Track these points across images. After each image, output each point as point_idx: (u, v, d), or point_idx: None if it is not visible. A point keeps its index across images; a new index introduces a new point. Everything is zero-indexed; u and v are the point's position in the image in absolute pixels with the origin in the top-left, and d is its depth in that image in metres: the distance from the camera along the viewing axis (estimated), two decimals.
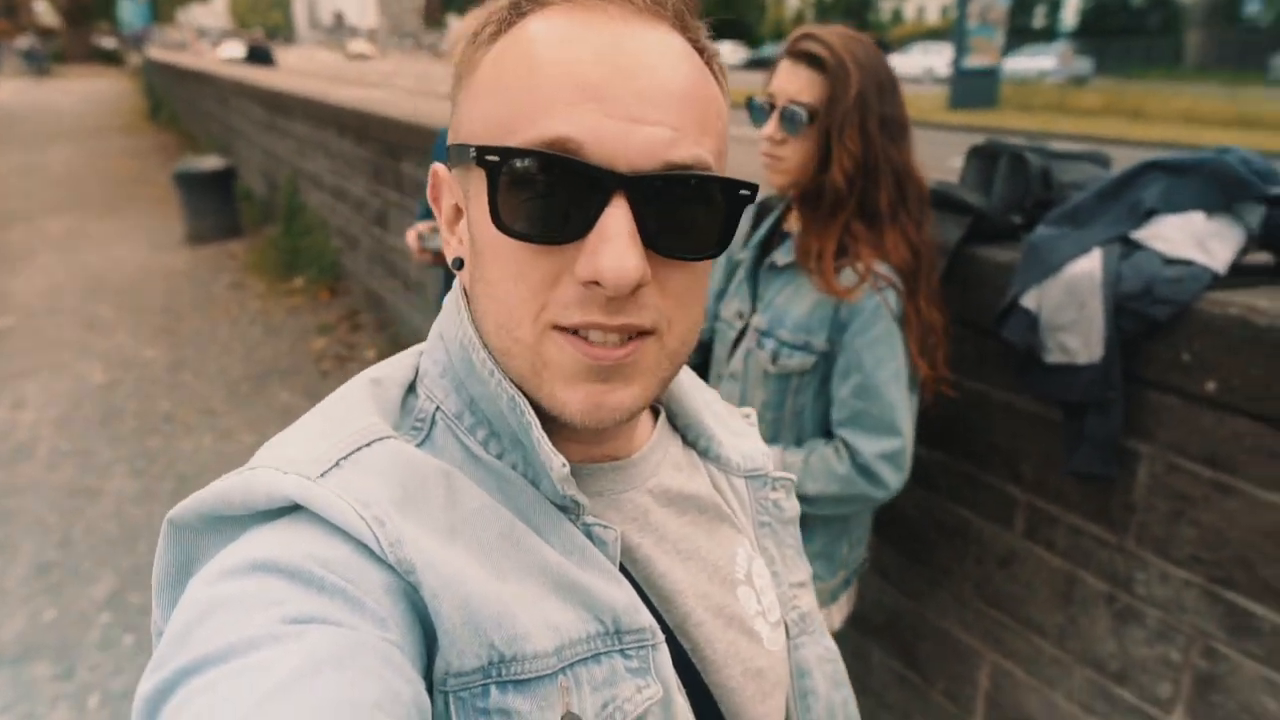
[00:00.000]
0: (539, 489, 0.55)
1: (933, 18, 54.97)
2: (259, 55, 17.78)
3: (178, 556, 0.50)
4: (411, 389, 0.59)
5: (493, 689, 0.47)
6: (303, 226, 6.87)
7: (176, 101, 15.98)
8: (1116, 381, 1.40)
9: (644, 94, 0.48)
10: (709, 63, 0.54)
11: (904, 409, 1.41)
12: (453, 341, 0.57)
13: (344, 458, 0.50)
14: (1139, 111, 15.45)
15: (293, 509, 0.48)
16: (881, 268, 1.39)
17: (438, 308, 0.65)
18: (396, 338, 5.10)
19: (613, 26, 0.50)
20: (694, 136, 0.50)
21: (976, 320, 1.59)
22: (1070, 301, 1.44)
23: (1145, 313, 1.36)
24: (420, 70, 25.46)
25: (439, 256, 2.17)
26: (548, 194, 0.48)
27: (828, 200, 1.38)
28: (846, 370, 1.41)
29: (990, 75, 16.25)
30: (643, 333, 0.51)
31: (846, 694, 0.73)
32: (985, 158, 1.76)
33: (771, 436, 1.49)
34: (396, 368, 0.60)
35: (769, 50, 43.74)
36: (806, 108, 1.37)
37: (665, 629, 0.57)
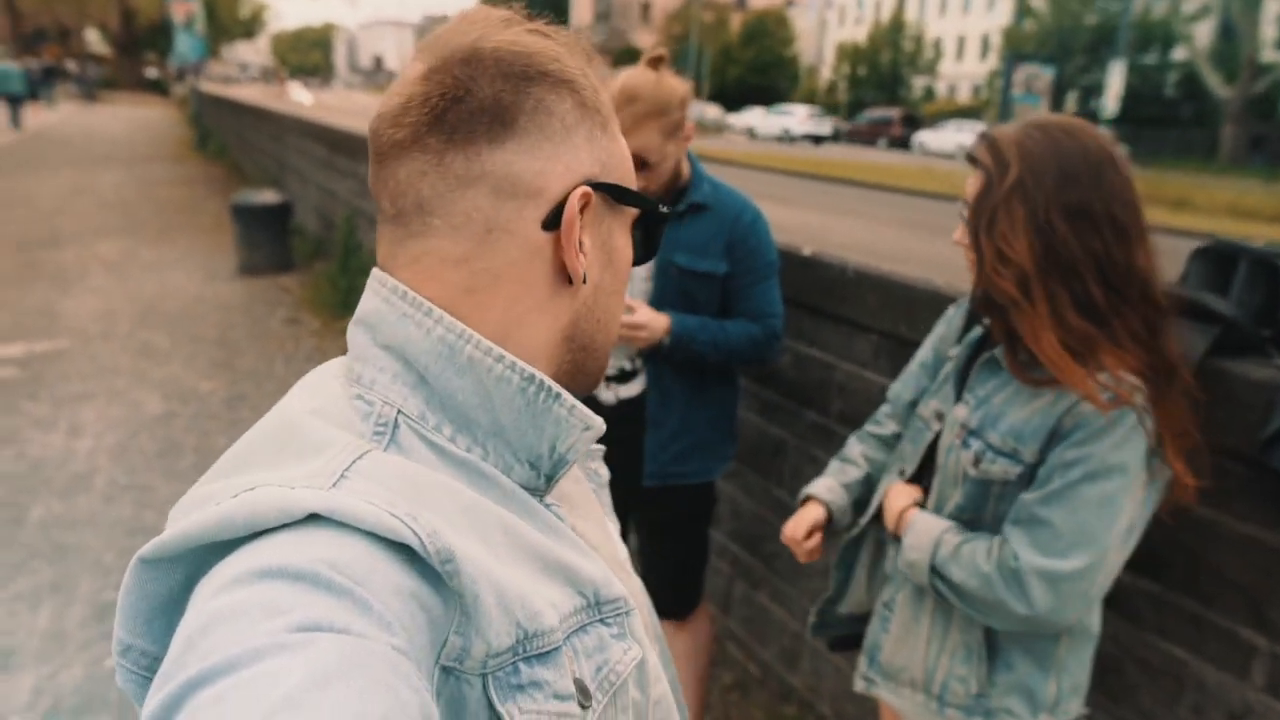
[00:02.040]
0: (510, 476, 0.59)
1: (964, 95, 55.81)
2: None
3: (161, 590, 0.49)
4: (359, 400, 0.59)
5: (522, 665, 0.51)
6: (359, 265, 6.81)
7: (226, 134, 16.20)
8: None
9: None
10: None
11: (1099, 540, 1.25)
12: (419, 343, 0.59)
13: (347, 469, 0.51)
14: (1183, 201, 15.37)
15: (299, 522, 0.47)
16: (1130, 377, 1.25)
17: None
18: None
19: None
20: None
21: (1221, 441, 1.43)
22: None
23: None
24: None
25: None
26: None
27: (1000, 302, 1.31)
28: (1047, 478, 1.28)
29: None
30: None
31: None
32: (1213, 260, 1.62)
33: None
34: (328, 395, 0.60)
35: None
36: (967, 206, 1.34)
37: None
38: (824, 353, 2.41)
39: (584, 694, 0.55)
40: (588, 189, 0.62)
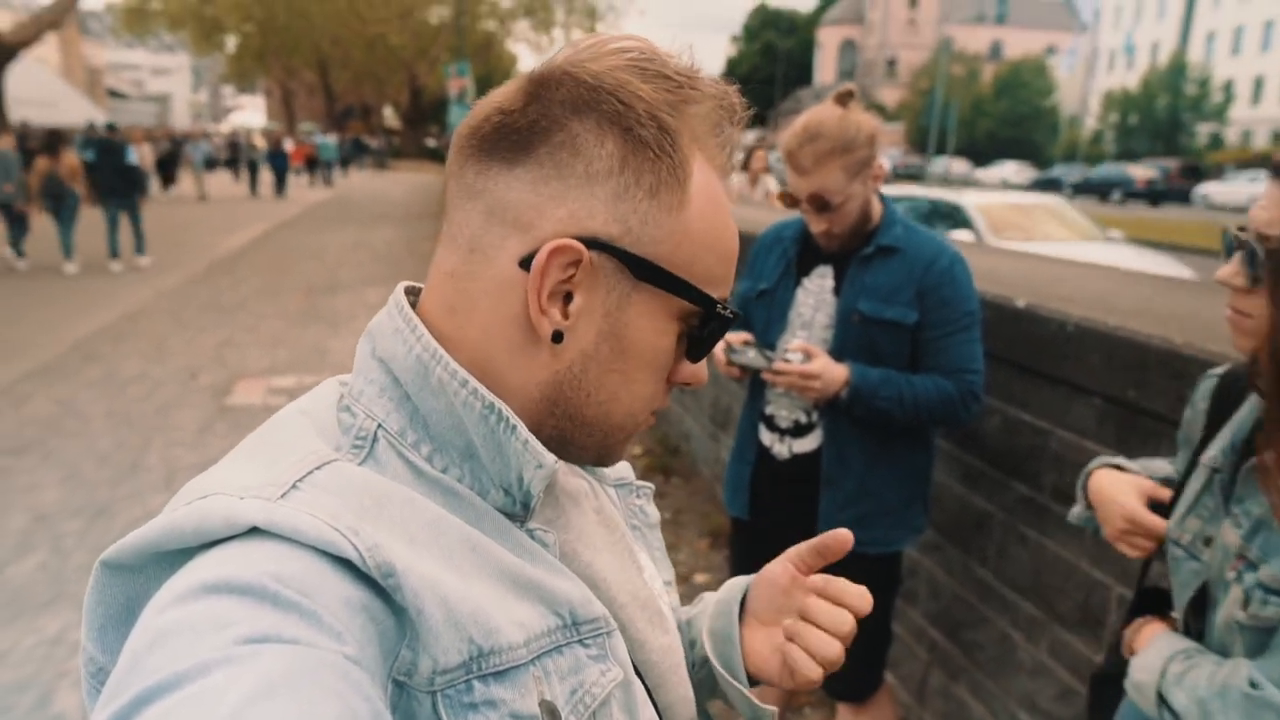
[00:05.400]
0: (486, 499, 0.58)
1: (1261, 142, 49.37)
2: None
3: (119, 596, 0.50)
4: (344, 411, 0.59)
5: (476, 683, 0.50)
6: None
7: None
8: None
9: None
10: None
11: None
12: (402, 359, 0.59)
13: (300, 479, 0.51)
14: None
15: (244, 534, 0.47)
16: None
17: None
18: (665, 438, 4.98)
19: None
20: None
21: None
22: None
23: None
24: None
25: (744, 370, 1.95)
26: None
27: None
28: None
29: None
30: None
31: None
32: None
33: None
34: (321, 397, 0.62)
35: (1059, 172, 41.10)
36: (1253, 236, 1.00)
37: None
38: (1037, 418, 2.13)
39: (552, 716, 0.53)
40: (569, 242, 0.56)
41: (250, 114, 75.11)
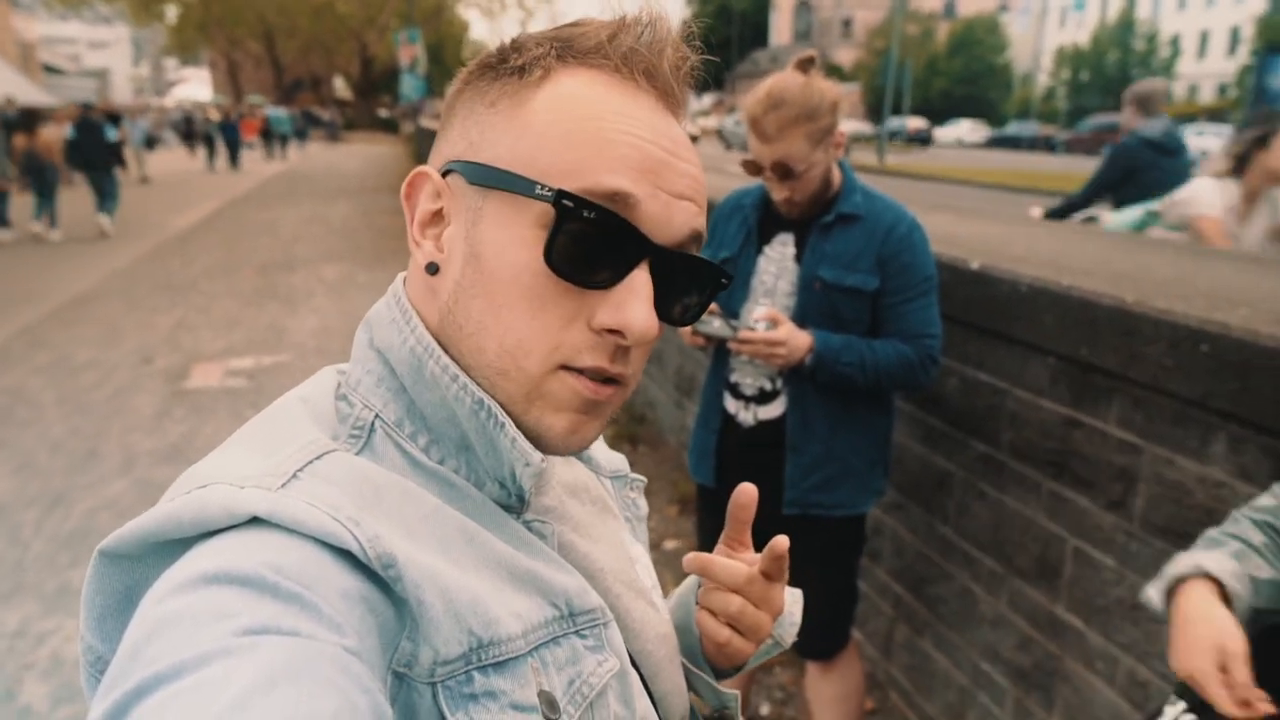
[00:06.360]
0: (482, 491, 0.58)
1: (1207, 96, 50.22)
2: None
3: (117, 585, 0.49)
4: (342, 400, 0.60)
5: (476, 674, 0.50)
6: None
7: None
8: None
9: (683, 179, 0.57)
10: None
11: None
12: (397, 351, 0.59)
13: (300, 469, 0.51)
14: None
15: (244, 524, 0.47)
16: None
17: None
18: (630, 406, 5.00)
19: (658, 113, 0.58)
20: (702, 216, 0.59)
21: None
22: None
23: None
24: None
25: (709, 339, 1.95)
26: (597, 244, 0.54)
27: None
28: None
29: None
30: (617, 380, 0.58)
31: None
32: None
33: None
34: (320, 385, 0.62)
35: (1013, 129, 41.47)
36: None
37: None
38: (994, 377, 2.17)
39: (551, 706, 0.53)
40: (423, 169, 0.60)
41: (195, 87, 72.90)
